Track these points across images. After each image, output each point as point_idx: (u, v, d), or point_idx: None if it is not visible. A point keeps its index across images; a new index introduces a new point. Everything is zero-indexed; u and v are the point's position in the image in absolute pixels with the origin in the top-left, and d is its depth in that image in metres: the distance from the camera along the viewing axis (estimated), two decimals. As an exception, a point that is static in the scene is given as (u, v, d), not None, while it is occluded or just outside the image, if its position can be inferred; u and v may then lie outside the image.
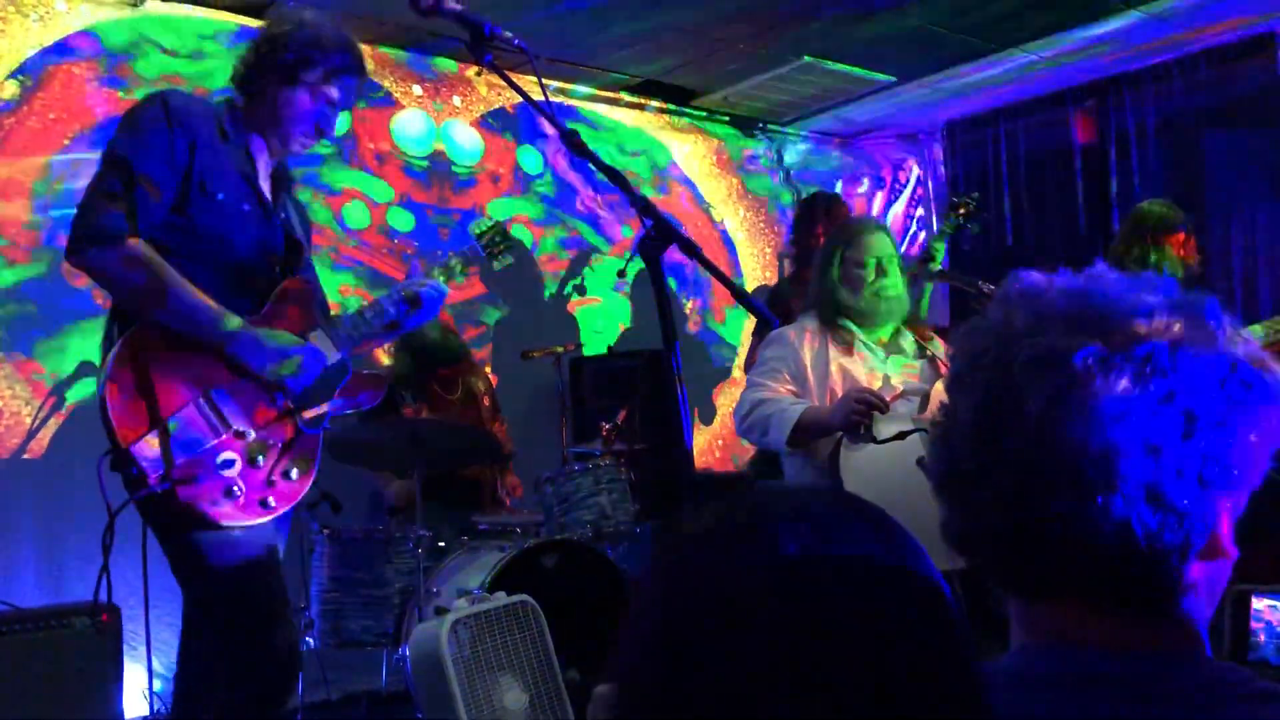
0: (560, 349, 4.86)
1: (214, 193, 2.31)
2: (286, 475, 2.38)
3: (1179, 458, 0.82)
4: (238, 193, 2.37)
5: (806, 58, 5.49)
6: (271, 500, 2.34)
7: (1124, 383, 0.82)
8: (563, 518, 3.96)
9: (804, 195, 4.79)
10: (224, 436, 2.27)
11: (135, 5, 4.43)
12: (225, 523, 2.27)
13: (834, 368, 3.05)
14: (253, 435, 2.32)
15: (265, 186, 2.48)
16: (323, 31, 2.43)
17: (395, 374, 4.62)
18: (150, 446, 2.17)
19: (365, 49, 4.98)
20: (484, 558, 3.65)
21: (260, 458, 2.32)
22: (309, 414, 2.42)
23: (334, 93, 2.45)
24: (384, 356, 5.06)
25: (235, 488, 2.27)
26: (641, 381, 5.11)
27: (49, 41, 4.26)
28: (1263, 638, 2.10)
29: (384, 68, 5.22)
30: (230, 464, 2.26)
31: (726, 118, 6.49)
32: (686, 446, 1.67)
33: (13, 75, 4.17)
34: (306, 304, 2.48)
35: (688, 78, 5.83)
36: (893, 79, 5.92)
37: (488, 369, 5.06)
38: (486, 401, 4.72)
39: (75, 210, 2.25)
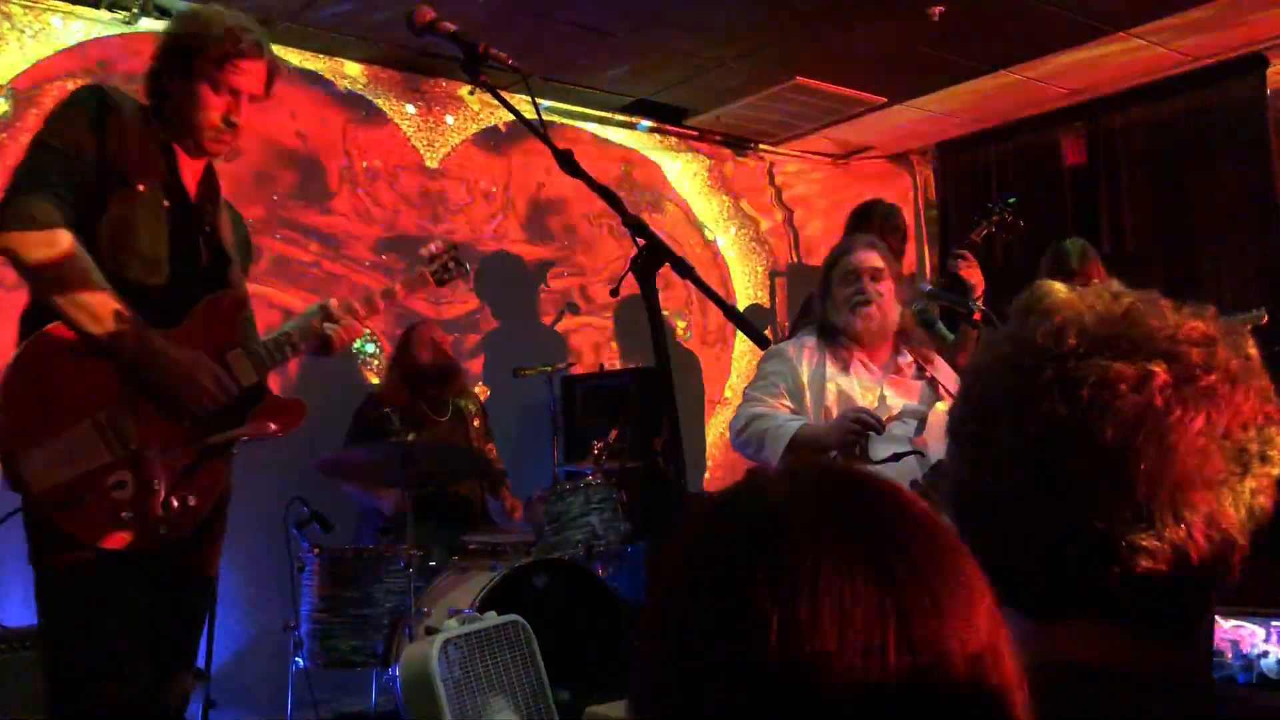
0: (552, 367, 4.86)
1: (133, 183, 2.21)
2: (184, 502, 2.21)
3: (1237, 492, 0.84)
4: (158, 186, 2.26)
5: (798, 78, 5.52)
6: (164, 529, 2.17)
7: (1201, 420, 0.82)
8: (554, 537, 3.95)
9: (862, 203, 4.63)
10: (119, 456, 2.12)
11: (129, 23, 4.44)
12: (107, 547, 2.10)
13: (830, 386, 3.04)
14: (150, 457, 2.16)
15: (191, 190, 2.36)
16: (211, 18, 2.32)
17: (383, 394, 4.61)
18: (35, 459, 2.04)
19: (359, 68, 5.07)
20: (474, 577, 3.64)
21: (155, 482, 2.16)
22: (214, 439, 2.27)
23: (234, 79, 2.30)
24: (372, 376, 5.06)
25: (124, 513, 2.11)
26: (633, 400, 5.10)
27: (43, 57, 4.26)
28: (1229, 657, 2.12)
29: (378, 86, 5.23)
30: (121, 485, 2.12)
31: (719, 137, 6.51)
32: (680, 465, 1.67)
33: (5, 90, 4.17)
34: (229, 321, 2.35)
35: (680, 97, 5.86)
36: (884, 99, 5.95)
37: (478, 387, 5.05)
38: (477, 422, 4.71)
39: (2, 192, 2.15)
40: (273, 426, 2.39)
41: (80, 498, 2.07)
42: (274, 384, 2.62)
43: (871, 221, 4.38)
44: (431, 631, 3.10)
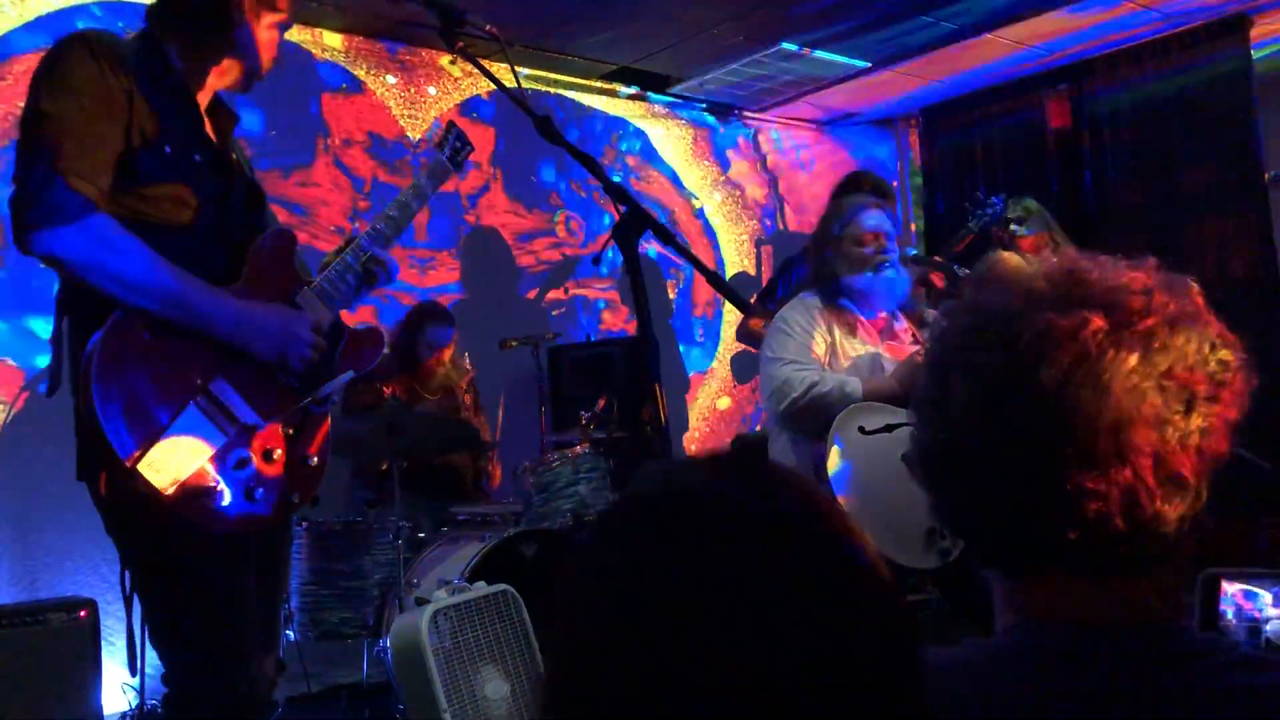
0: (539, 338, 4.85)
1: (160, 146, 1.92)
2: (305, 463, 2.09)
3: (1183, 430, 0.86)
4: (186, 142, 1.98)
5: (782, 44, 5.48)
6: (295, 497, 2.06)
7: (1134, 359, 0.85)
8: (542, 507, 3.95)
9: (850, 173, 4.64)
10: (233, 434, 1.95)
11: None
12: (244, 530, 1.98)
13: (840, 349, 3.03)
14: (263, 427, 2.00)
15: (210, 131, 2.08)
16: None
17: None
18: (158, 461, 1.83)
19: (339, 38, 5.02)
20: (464, 548, 3.64)
21: (275, 451, 2.01)
22: (322, 393, 2.12)
23: (280, 9, 2.07)
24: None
25: (256, 489, 1.97)
26: (620, 369, 5.10)
27: (20, 23, 4.21)
28: (1233, 622, 2.12)
29: (357, 56, 5.18)
30: (245, 463, 1.96)
31: (704, 104, 6.48)
32: (665, 434, 1.67)
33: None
34: (287, 262, 2.12)
35: (664, 64, 5.82)
36: (868, 65, 5.92)
37: (466, 360, 5.03)
38: (468, 399, 4.69)
39: (14, 186, 1.83)
40: (361, 360, 2.24)
41: (212, 489, 1.90)
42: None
43: (862, 190, 4.37)
44: (421, 602, 3.10)
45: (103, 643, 3.46)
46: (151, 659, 2.12)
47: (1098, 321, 0.86)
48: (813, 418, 2.92)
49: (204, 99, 2.08)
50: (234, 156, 2.13)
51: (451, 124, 2.56)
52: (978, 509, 0.92)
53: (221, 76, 2.08)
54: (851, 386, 2.91)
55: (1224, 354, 0.89)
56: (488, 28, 1.89)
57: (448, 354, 4.60)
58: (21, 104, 1.84)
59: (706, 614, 0.65)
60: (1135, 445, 0.85)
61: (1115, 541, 0.86)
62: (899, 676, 0.69)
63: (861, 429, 2.83)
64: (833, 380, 2.93)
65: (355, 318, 4.71)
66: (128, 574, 2.00)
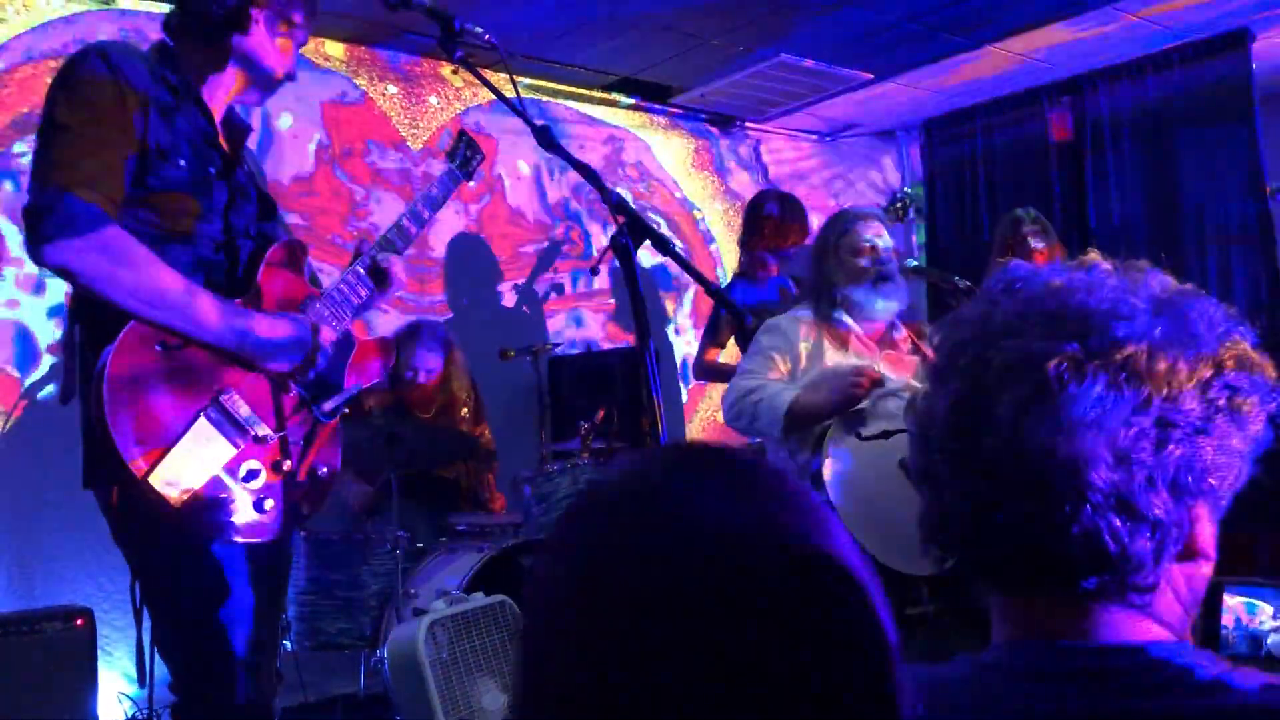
0: (538, 348, 4.84)
1: (175, 159, 1.95)
2: (314, 474, 2.09)
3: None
4: (201, 155, 2.01)
5: (784, 55, 5.48)
6: (305, 508, 2.07)
7: (1098, 389, 0.80)
8: (541, 518, 3.94)
9: (757, 193, 4.73)
10: (243, 445, 1.95)
11: (107, 3, 4.38)
12: (254, 540, 1.97)
13: (828, 362, 3.00)
14: (273, 438, 2.00)
15: (224, 142, 2.11)
16: None
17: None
18: (169, 472, 1.84)
19: (340, 47, 5.02)
20: (462, 558, 3.64)
21: (286, 461, 2.02)
22: (332, 405, 2.13)
23: (296, 22, 2.10)
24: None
25: (266, 501, 1.97)
26: (620, 380, 5.09)
27: (21, 31, 4.21)
28: (1232, 638, 2.10)
29: (357, 66, 5.18)
30: (255, 474, 1.97)
31: (705, 115, 6.48)
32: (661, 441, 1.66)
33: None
34: (298, 272, 2.14)
35: (665, 74, 5.82)
36: (870, 76, 5.92)
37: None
38: (465, 411, 4.66)
39: (28, 197, 1.85)
40: (371, 370, 2.25)
41: (222, 499, 1.91)
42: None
43: (765, 209, 4.46)
44: (419, 613, 3.09)
45: (100, 652, 3.45)
46: (159, 669, 2.12)
47: (1070, 350, 0.81)
48: (751, 423, 2.91)
49: (218, 109, 2.11)
50: (246, 168, 2.15)
51: (463, 132, 2.57)
52: (950, 528, 0.89)
53: (235, 87, 2.11)
54: (783, 398, 2.84)
55: (1231, 378, 0.83)
56: (487, 38, 1.89)
57: (438, 378, 4.53)
58: (23, 110, 1.84)
59: (666, 621, 0.62)
60: (1092, 484, 0.80)
61: (1085, 576, 0.83)
62: (876, 684, 0.65)
63: (858, 434, 2.82)
64: (769, 387, 2.91)
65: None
66: (138, 584, 2.00)
